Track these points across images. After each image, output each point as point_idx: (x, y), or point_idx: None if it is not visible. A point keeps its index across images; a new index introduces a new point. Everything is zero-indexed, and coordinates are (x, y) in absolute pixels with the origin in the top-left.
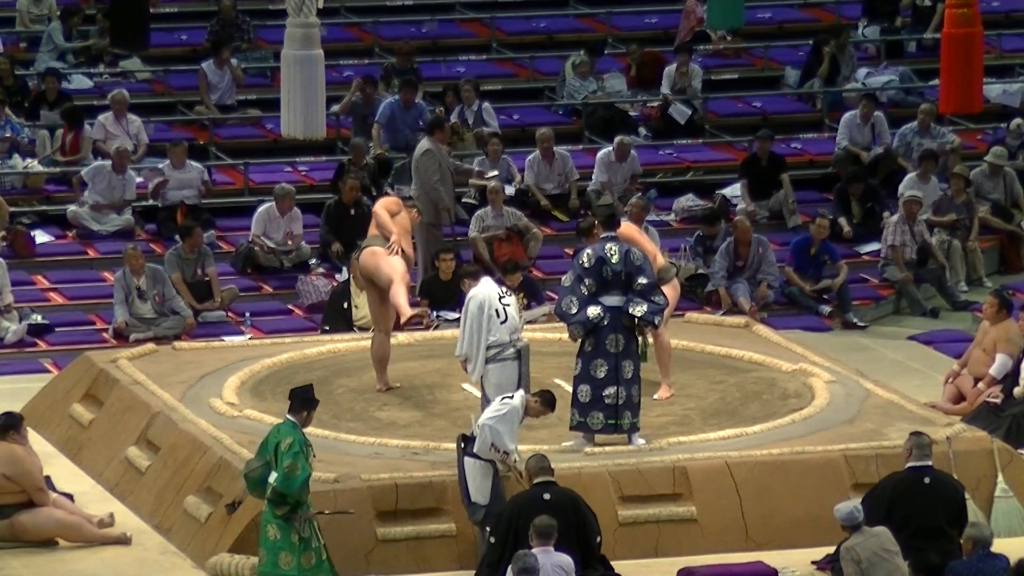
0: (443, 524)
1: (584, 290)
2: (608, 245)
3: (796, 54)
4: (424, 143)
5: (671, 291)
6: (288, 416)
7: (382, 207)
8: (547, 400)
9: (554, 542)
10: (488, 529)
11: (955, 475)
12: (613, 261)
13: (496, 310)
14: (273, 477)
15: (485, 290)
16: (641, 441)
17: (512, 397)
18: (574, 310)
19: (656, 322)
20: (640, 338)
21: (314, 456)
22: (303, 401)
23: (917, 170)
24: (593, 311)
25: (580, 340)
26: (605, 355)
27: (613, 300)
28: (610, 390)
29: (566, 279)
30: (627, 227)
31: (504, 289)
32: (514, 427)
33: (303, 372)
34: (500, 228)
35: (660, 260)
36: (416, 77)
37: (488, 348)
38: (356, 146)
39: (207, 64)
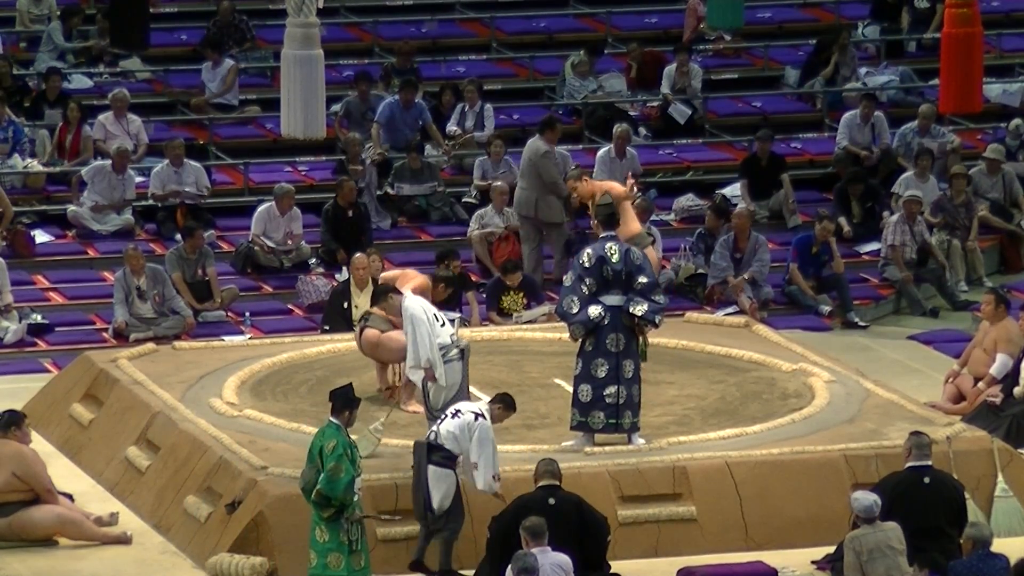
0: None
1: (585, 290)
2: (608, 244)
3: (796, 54)
4: (539, 144)
5: (650, 254)
6: (331, 418)
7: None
8: (508, 404)
9: (547, 541)
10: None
11: (955, 475)
12: (613, 260)
13: (434, 314)
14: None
15: (417, 298)
16: (641, 441)
17: (481, 415)
18: (575, 310)
19: (656, 321)
20: (640, 337)
21: (361, 457)
22: (344, 401)
23: (915, 169)
24: (594, 311)
25: (581, 340)
26: (606, 354)
27: (613, 299)
28: (611, 389)
29: (567, 279)
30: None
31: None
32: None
33: (303, 372)
34: (499, 227)
35: (636, 227)
36: (416, 77)
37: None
38: (351, 141)
39: (206, 64)
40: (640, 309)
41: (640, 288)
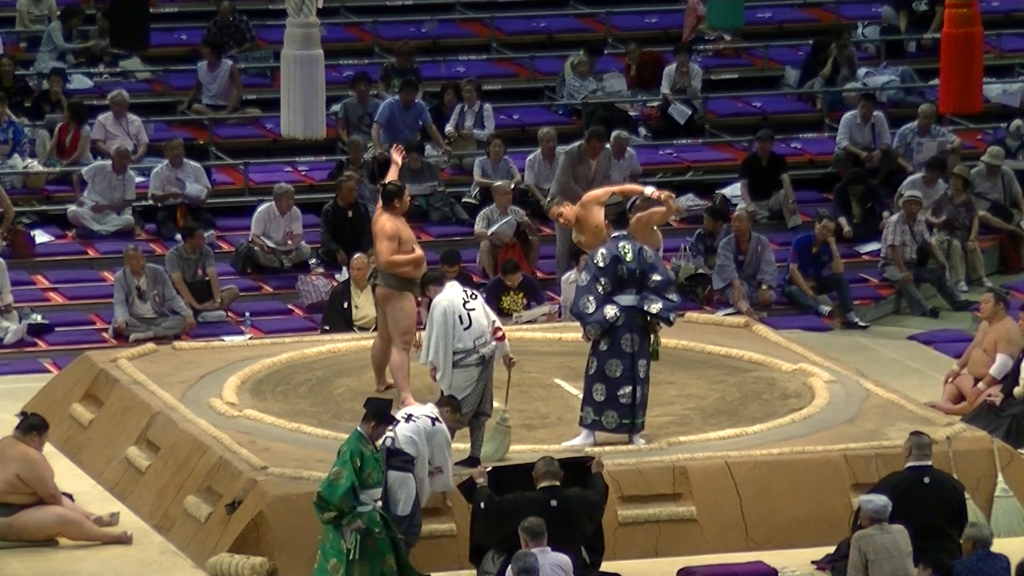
0: (443, 524)
1: (600, 289)
2: (621, 243)
3: (796, 54)
4: (570, 147)
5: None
6: (358, 426)
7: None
8: (455, 407)
9: (547, 540)
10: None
11: (955, 475)
12: (627, 259)
13: (460, 316)
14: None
15: (449, 296)
16: (642, 442)
17: (437, 419)
18: (590, 309)
19: (671, 319)
20: (652, 336)
21: (376, 469)
22: (374, 414)
23: (922, 173)
24: (610, 311)
25: (595, 339)
26: (620, 355)
27: (627, 299)
28: (625, 389)
29: (581, 279)
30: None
31: (470, 293)
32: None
33: (303, 372)
34: (505, 223)
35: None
36: (416, 77)
37: (454, 354)
38: (354, 144)
39: (201, 65)
40: (655, 307)
41: (654, 286)
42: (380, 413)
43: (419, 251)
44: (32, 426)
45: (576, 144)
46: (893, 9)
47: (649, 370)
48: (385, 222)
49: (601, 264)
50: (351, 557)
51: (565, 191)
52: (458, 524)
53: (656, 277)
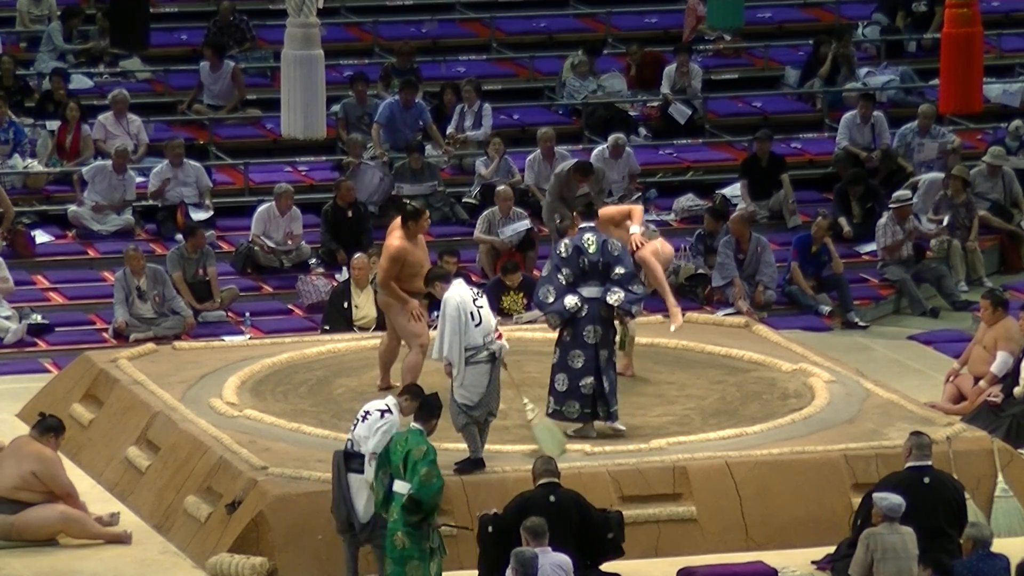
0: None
1: (561, 279)
2: (586, 236)
3: (796, 54)
4: (565, 168)
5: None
6: (414, 424)
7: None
8: (415, 394)
9: (548, 541)
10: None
11: (955, 475)
12: (590, 251)
13: (471, 313)
14: (400, 485)
15: (460, 292)
16: (620, 426)
17: (387, 411)
18: (550, 299)
19: (633, 311)
20: (620, 327)
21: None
22: (430, 410)
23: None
24: (570, 300)
25: (559, 329)
26: (583, 346)
27: (591, 291)
28: (587, 380)
29: (544, 269)
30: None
31: (477, 291)
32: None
33: (303, 372)
34: (516, 234)
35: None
36: (416, 77)
37: (465, 351)
38: (353, 142)
39: (203, 65)
40: (616, 299)
41: (617, 278)
42: (432, 407)
43: (420, 282)
44: (49, 427)
45: (567, 166)
46: (886, 16)
47: (614, 359)
48: (394, 241)
49: (564, 255)
50: (433, 556)
51: (554, 210)
52: (459, 524)
53: (620, 269)
